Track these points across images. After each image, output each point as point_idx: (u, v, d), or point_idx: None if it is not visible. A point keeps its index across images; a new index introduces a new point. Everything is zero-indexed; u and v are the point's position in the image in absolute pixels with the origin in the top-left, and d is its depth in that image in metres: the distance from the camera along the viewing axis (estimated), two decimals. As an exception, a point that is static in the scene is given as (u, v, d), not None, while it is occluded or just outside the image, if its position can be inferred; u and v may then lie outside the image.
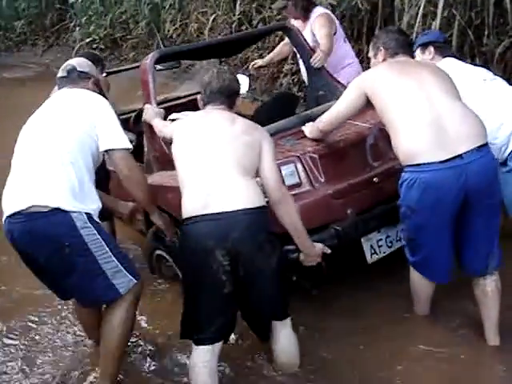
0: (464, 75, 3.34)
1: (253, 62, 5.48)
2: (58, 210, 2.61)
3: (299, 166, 3.25)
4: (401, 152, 2.90)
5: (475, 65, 3.93)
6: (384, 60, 3.21)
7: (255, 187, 2.77)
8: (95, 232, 2.69)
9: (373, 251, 3.32)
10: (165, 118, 3.82)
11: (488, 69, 3.75)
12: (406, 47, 3.23)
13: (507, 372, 2.92)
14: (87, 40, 10.53)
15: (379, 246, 3.34)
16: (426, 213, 2.87)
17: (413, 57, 3.31)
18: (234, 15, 7.93)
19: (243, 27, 7.91)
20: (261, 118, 4.07)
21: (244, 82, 5.22)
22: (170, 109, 3.98)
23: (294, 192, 3.11)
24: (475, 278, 3.05)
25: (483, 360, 3.06)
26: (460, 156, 2.77)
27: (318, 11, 4.78)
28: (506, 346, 3.02)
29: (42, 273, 2.82)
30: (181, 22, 9.20)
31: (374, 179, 3.33)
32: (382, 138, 3.36)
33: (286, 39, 5.03)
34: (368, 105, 3.15)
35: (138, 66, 4.10)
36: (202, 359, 2.74)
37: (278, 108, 4.38)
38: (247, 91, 5.64)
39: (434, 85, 2.95)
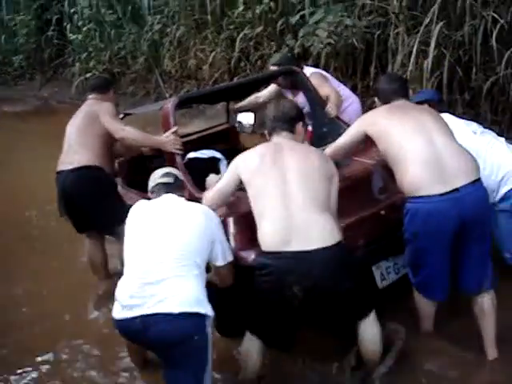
0: (457, 128, 3.59)
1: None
2: (196, 314, 2.88)
3: None
4: (405, 185, 3.22)
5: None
6: (385, 103, 3.54)
7: (332, 222, 2.97)
8: (211, 335, 2.98)
9: (383, 277, 3.63)
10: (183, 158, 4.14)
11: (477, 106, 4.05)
12: (401, 92, 3.53)
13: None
14: (87, 75, 10.81)
15: (388, 273, 3.65)
16: (426, 239, 3.20)
17: (409, 99, 3.63)
18: (233, 52, 8.27)
19: (241, 63, 8.27)
20: None
21: (249, 118, 5.57)
22: (183, 145, 4.23)
23: None
24: (473, 298, 3.35)
25: (483, 371, 3.36)
26: (457, 189, 3.10)
27: (308, 72, 5.00)
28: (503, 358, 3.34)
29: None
30: (179, 58, 9.52)
31: (381, 212, 3.64)
32: (386, 173, 3.64)
33: (260, 93, 5.36)
34: (372, 143, 3.48)
35: (159, 109, 4.36)
36: (259, 346, 3.10)
37: None
38: (252, 125, 6.00)
39: (432, 126, 3.27)
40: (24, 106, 12.20)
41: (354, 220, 3.55)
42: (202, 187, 3.83)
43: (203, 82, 9.00)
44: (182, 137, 4.45)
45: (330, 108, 4.58)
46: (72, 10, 11.59)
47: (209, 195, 3.33)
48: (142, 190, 4.12)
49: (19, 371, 3.72)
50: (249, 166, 3.15)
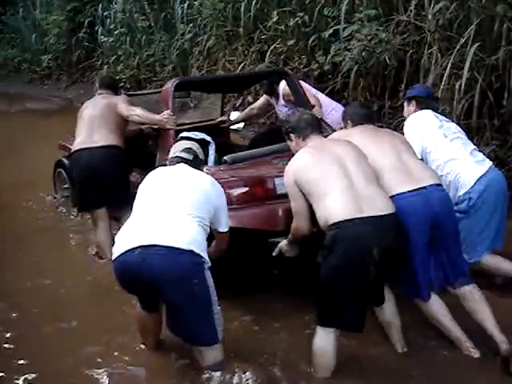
0: (429, 129, 4.02)
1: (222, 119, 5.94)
2: (192, 252, 3.02)
3: None
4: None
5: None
6: (356, 125, 3.78)
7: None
8: (211, 279, 3.11)
9: None
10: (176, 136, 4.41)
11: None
12: (368, 118, 3.79)
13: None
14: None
15: None
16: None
17: (375, 125, 3.89)
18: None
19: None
20: (257, 144, 4.85)
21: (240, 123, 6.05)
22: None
23: (285, 200, 3.58)
24: (461, 295, 3.45)
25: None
26: (424, 188, 3.34)
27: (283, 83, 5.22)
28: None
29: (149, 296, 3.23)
30: (208, 68, 9.57)
31: None
32: None
33: (254, 104, 5.97)
34: None
35: (157, 92, 4.89)
36: (333, 342, 3.13)
37: (271, 137, 4.81)
38: (242, 127, 6.75)
39: (401, 144, 3.59)
40: (48, 105, 12.31)
41: None
42: None
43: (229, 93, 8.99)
44: (178, 125, 4.74)
45: (317, 111, 4.79)
46: (105, 14, 11.74)
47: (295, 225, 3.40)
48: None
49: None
50: (301, 164, 3.31)
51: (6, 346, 3.62)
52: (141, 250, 2.97)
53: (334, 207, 3.07)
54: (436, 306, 3.42)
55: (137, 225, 3.15)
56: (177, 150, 3.51)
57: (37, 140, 8.46)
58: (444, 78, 5.60)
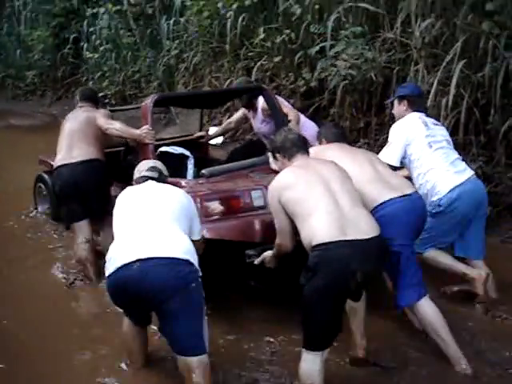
0: (416, 137, 4.10)
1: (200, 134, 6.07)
2: (188, 261, 3.10)
3: (265, 192, 3.84)
4: (367, 198, 3.44)
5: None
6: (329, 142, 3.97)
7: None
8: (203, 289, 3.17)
9: None
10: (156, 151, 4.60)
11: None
12: (341, 137, 3.99)
13: None
14: (99, 95, 10.81)
15: None
16: (397, 238, 3.40)
17: (349, 143, 4.08)
18: (248, 81, 8.26)
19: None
20: (235, 158, 5.01)
21: (218, 139, 6.39)
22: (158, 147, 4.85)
23: (261, 212, 3.92)
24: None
25: None
26: (410, 195, 3.55)
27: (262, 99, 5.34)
28: None
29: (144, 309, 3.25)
30: (194, 84, 9.56)
31: None
32: None
33: (231, 118, 6.21)
34: None
35: (138, 107, 4.99)
36: (319, 365, 3.08)
37: (249, 151, 5.05)
38: (222, 142, 7.07)
39: (373, 157, 3.86)
40: (32, 121, 12.21)
41: None
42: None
43: (215, 109, 8.98)
44: (156, 141, 4.84)
45: (293, 126, 4.86)
46: (90, 30, 11.71)
47: (278, 241, 3.40)
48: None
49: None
50: (285, 182, 3.28)
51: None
52: (140, 264, 3.00)
53: (319, 228, 3.05)
54: (434, 317, 3.42)
55: (127, 241, 3.17)
56: (142, 169, 3.65)
57: (21, 156, 8.40)
58: (430, 94, 5.63)
